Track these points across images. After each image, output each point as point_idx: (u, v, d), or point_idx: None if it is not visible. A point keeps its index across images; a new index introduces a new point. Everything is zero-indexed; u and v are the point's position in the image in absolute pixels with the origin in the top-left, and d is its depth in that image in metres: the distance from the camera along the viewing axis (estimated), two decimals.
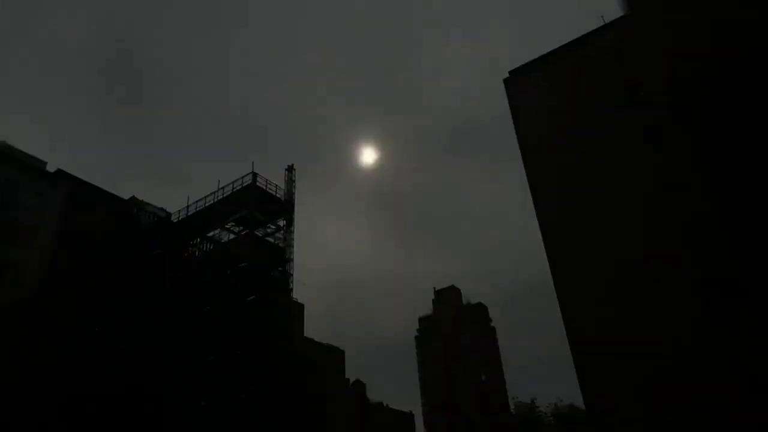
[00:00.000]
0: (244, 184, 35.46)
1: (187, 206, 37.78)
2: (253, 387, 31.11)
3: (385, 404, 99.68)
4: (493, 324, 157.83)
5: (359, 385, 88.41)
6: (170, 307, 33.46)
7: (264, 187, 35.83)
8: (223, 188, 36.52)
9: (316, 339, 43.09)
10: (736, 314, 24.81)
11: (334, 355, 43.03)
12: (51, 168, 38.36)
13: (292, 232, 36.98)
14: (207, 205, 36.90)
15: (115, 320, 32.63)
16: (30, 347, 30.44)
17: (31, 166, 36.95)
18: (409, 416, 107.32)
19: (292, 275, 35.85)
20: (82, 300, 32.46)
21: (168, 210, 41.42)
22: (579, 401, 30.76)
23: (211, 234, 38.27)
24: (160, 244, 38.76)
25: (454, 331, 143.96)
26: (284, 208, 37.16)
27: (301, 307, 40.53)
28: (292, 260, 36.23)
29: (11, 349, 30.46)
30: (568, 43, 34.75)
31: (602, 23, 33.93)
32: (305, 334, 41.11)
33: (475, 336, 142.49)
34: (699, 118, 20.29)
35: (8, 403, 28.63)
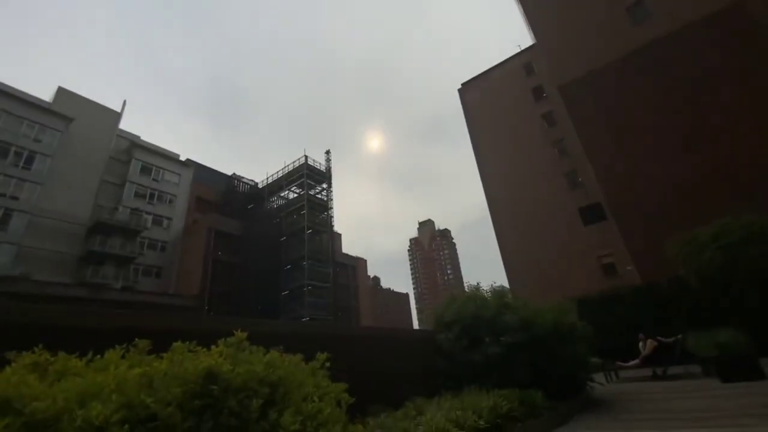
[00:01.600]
0: (300, 163, 38.33)
1: (267, 178, 41.05)
2: (315, 280, 34.44)
3: (391, 289, 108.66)
4: (454, 241, 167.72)
5: (376, 279, 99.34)
6: (259, 238, 35.94)
7: (312, 164, 38.71)
8: (288, 165, 39.30)
9: (351, 253, 44.31)
10: (594, 222, 28.06)
11: (361, 261, 44.36)
12: (182, 157, 40.55)
13: (331, 191, 39.54)
14: (278, 177, 39.76)
15: (227, 245, 34.89)
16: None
17: (170, 157, 39.19)
18: (406, 296, 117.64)
19: (332, 217, 39.20)
20: (207, 234, 34.30)
21: (255, 181, 43.63)
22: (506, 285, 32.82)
23: (282, 194, 40.56)
24: (252, 201, 41.14)
25: (430, 246, 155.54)
26: (325, 177, 39.51)
27: (339, 235, 43.63)
28: (331, 208, 39.10)
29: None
30: (498, 63, 35.92)
31: (519, 50, 34.77)
32: (343, 251, 43.51)
33: (443, 248, 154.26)
34: (575, 106, 24.89)
35: None
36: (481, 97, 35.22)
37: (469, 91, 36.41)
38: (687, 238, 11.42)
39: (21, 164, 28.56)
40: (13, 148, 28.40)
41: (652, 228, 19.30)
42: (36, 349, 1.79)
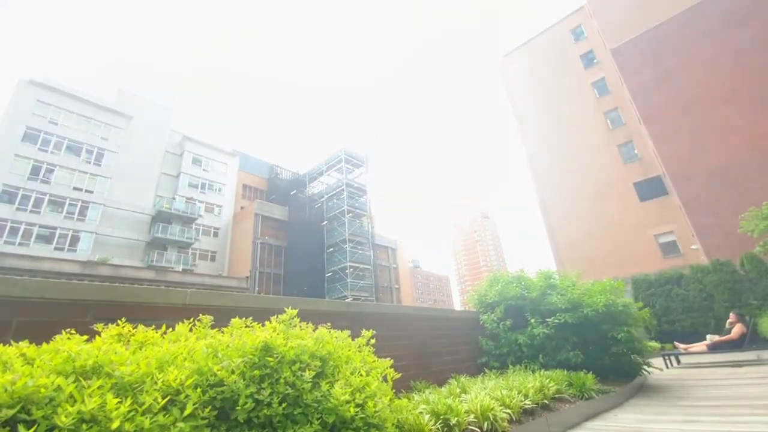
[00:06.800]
0: (339, 149, 38.85)
1: (307, 165, 41.81)
2: (357, 262, 35.59)
3: (431, 271, 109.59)
4: (495, 222, 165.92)
5: (415, 261, 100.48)
6: (303, 222, 37.71)
7: (350, 151, 39.01)
8: (327, 152, 41.06)
9: (391, 236, 44.59)
10: (652, 198, 26.72)
11: (401, 244, 44.57)
12: (229, 149, 42.61)
13: (369, 175, 40.13)
14: (318, 164, 40.82)
15: (273, 229, 36.32)
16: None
17: (218, 148, 41.71)
18: (447, 278, 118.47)
19: (370, 201, 39.55)
20: (255, 220, 35.37)
21: (296, 170, 44.73)
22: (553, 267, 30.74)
23: (322, 180, 41.40)
24: (294, 187, 42.72)
25: (471, 229, 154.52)
26: (362, 161, 39.88)
27: (379, 218, 43.79)
28: (370, 192, 39.70)
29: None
30: (542, 31, 33.58)
31: (567, 13, 32.19)
32: (383, 233, 43.98)
33: (484, 230, 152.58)
34: (631, 70, 23.45)
35: None
36: (525, 67, 33.28)
37: (512, 61, 34.48)
38: (766, 211, 10.23)
39: (92, 161, 31.71)
40: (84, 146, 31.54)
41: (723, 202, 17.78)
42: (120, 322, 2.06)
